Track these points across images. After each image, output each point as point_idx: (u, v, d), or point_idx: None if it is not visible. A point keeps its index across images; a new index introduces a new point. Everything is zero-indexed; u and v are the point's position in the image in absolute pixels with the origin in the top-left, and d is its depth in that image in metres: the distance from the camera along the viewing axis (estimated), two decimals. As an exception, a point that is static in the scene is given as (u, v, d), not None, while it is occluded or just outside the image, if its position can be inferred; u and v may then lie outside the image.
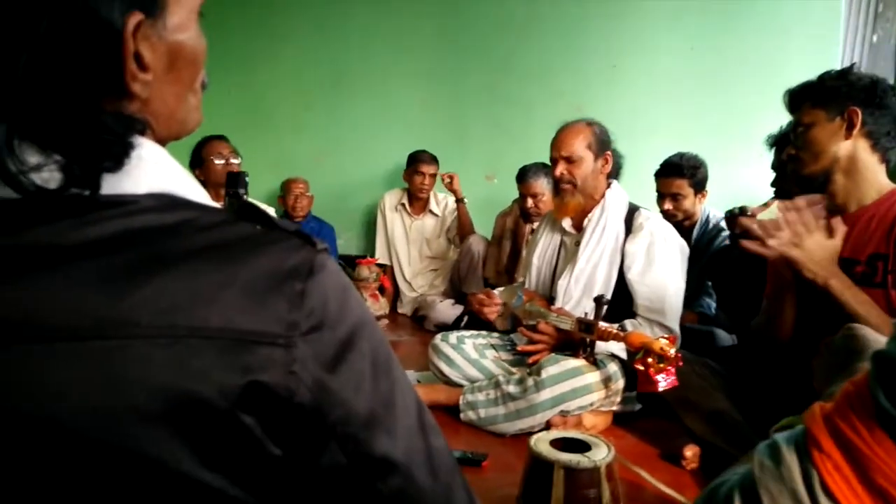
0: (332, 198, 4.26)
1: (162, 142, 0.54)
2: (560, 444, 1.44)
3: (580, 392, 1.98)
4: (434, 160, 3.91)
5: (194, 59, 0.54)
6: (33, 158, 0.44)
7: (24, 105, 0.44)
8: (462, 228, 3.85)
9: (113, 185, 0.47)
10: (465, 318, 3.07)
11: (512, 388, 2.00)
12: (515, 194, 3.46)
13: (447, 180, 3.79)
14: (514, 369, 2.22)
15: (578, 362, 2.01)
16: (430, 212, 4.03)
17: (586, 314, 2.00)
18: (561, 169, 2.24)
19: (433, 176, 3.90)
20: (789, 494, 0.65)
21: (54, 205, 0.45)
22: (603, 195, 2.26)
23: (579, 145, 2.22)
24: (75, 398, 0.41)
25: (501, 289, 2.55)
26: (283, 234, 0.48)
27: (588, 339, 2.00)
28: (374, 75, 4.29)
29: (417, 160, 3.89)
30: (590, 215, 2.25)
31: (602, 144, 2.25)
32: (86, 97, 0.46)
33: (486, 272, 3.58)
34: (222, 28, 4.07)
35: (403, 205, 4.05)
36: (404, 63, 4.25)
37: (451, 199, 3.92)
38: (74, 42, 0.44)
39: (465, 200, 3.82)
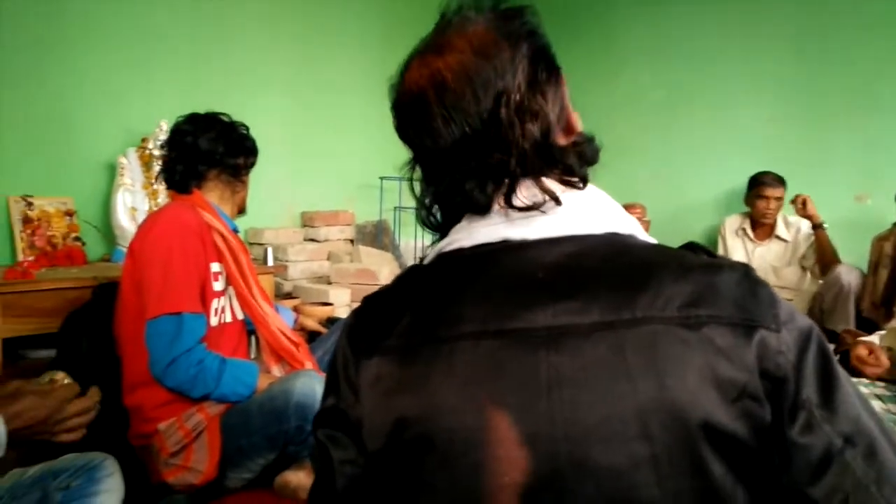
0: (666, 221, 4.18)
1: None
2: None
3: None
4: (780, 182, 3.58)
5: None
6: (536, 196, 0.64)
7: (522, 147, 0.64)
8: (823, 257, 3.43)
9: (588, 225, 0.64)
10: (837, 358, 2.73)
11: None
12: (894, 216, 3.02)
13: (799, 205, 3.44)
14: (907, 422, 1.91)
15: None
16: (777, 237, 3.70)
17: None
18: None
19: (778, 199, 3.58)
20: None
21: (561, 237, 0.63)
22: None
23: None
24: (668, 373, 0.54)
25: (883, 332, 2.22)
26: (724, 259, 0.62)
27: None
28: (714, 92, 4.11)
29: (760, 183, 3.61)
30: None
31: None
32: (557, 135, 0.67)
33: (863, 305, 3.16)
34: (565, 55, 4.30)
35: (745, 229, 3.80)
36: (749, 77, 3.99)
37: (805, 224, 3.54)
38: (555, 96, 0.67)
39: (826, 226, 3.41)
